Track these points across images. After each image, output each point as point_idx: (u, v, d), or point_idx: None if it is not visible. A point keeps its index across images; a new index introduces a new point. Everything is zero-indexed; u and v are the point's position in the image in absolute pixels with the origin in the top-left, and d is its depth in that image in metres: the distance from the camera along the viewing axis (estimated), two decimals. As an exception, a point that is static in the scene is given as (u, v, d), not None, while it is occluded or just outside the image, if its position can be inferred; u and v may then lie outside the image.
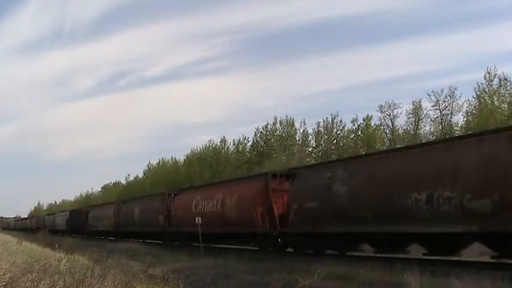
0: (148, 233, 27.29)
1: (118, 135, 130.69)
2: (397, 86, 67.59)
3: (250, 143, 42.65)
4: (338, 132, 35.76)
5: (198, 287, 11.36)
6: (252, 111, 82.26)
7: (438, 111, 29.38)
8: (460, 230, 9.62)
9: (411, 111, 30.68)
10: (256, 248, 16.95)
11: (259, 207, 15.99)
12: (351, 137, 34.67)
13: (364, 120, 33.70)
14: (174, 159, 55.72)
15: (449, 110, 29.17)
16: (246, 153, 42.97)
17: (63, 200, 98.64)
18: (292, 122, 39.58)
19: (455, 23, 68.94)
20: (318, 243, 14.32)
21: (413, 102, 30.71)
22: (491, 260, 10.29)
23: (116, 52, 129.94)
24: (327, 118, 36.06)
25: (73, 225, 41.85)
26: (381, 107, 32.16)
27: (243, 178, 21.35)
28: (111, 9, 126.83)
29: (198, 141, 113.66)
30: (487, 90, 26.70)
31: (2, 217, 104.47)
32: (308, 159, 33.87)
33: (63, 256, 12.14)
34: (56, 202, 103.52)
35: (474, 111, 27.50)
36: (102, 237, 35.63)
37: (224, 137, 45.95)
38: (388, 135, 32.84)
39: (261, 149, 40.62)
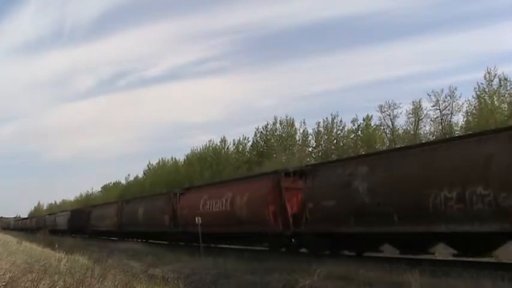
0: (153, 233, 26.63)
1: (118, 135, 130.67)
2: (397, 86, 67.54)
3: (250, 143, 42.70)
4: (338, 132, 35.76)
5: (198, 287, 11.37)
6: (252, 111, 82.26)
7: (438, 111, 29.39)
8: (494, 229, 9.10)
9: (411, 111, 30.71)
10: (267, 249, 16.43)
11: (271, 206, 15.50)
12: (351, 137, 34.66)
13: (364, 120, 33.72)
14: (174, 159, 55.78)
15: (449, 110, 29.18)
16: (246, 153, 42.95)
17: (63, 200, 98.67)
18: (292, 122, 39.64)
19: (455, 23, 68.93)
20: (334, 243, 13.72)
21: (413, 102, 30.74)
22: (491, 260, 10.31)
23: (116, 52, 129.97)
24: (327, 118, 36.13)
25: (74, 225, 41.58)
26: (381, 107, 32.19)
27: (254, 176, 20.61)
28: (111, 9, 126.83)
29: (198, 141, 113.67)
30: (487, 90, 26.70)
31: (2, 217, 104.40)
32: (308, 159, 33.82)
33: (63, 256, 12.14)
34: (56, 202, 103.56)
35: (474, 111, 27.48)
36: (104, 237, 35.17)
37: (224, 137, 46.02)
38: (388, 135, 32.83)
39: (261, 149, 40.62)
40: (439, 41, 62.32)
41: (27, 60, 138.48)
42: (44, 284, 6.08)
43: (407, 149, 13.89)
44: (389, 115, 32.07)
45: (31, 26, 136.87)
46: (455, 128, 28.66)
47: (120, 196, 51.02)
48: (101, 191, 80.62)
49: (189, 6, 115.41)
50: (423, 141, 23.14)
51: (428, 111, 30.02)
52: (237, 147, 44.17)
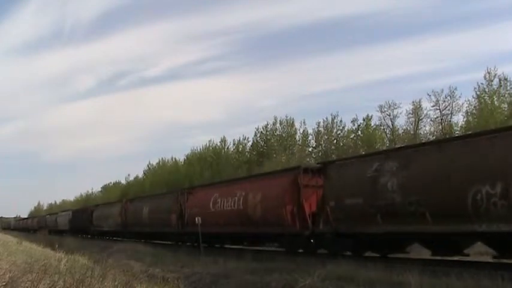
0: (159, 234, 25.72)
1: (118, 135, 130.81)
2: (397, 86, 67.79)
3: (250, 143, 42.67)
4: (338, 132, 35.74)
5: (198, 287, 11.37)
6: (252, 111, 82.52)
7: (438, 111, 29.32)
8: None
9: (411, 111, 30.64)
10: (283, 250, 15.81)
11: (288, 205, 14.80)
12: (351, 137, 34.63)
13: (364, 120, 33.66)
14: (174, 159, 55.80)
15: (449, 110, 29.11)
16: (246, 153, 42.93)
17: (63, 200, 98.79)
18: (292, 122, 39.63)
19: (455, 23, 69.14)
20: (358, 244, 12.90)
21: (413, 102, 30.65)
22: (491, 260, 10.29)
23: (116, 52, 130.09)
24: (327, 118, 36.09)
25: (76, 225, 41.22)
26: (381, 107, 32.12)
27: (269, 173, 20.06)
28: (111, 9, 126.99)
29: (198, 141, 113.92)
30: (487, 90, 26.65)
31: (2, 217, 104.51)
32: (308, 159, 33.83)
33: (63, 256, 12.14)
34: (56, 202, 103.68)
35: (474, 111, 27.44)
36: (107, 237, 34.73)
37: (224, 137, 46.03)
38: (388, 135, 32.81)
39: (261, 149, 40.59)
40: (439, 41, 62.55)
41: (27, 60, 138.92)
42: (44, 284, 6.08)
43: (442, 142, 12.66)
44: (390, 115, 32.04)
45: (31, 26, 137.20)
46: (455, 128, 28.65)
47: (121, 196, 50.97)
48: (101, 191, 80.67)
49: (189, 6, 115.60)
50: (423, 141, 23.10)
51: (428, 111, 30.00)
52: (237, 147, 44.17)
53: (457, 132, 27.37)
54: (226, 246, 19.68)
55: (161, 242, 25.10)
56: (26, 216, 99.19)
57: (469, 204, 9.45)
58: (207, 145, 47.36)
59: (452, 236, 10.40)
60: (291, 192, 14.90)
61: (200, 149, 48.55)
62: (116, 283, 6.92)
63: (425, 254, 11.81)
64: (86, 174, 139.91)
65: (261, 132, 40.83)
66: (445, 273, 8.66)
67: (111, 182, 77.15)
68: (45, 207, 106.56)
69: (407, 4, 79.24)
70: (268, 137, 40.25)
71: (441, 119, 29.44)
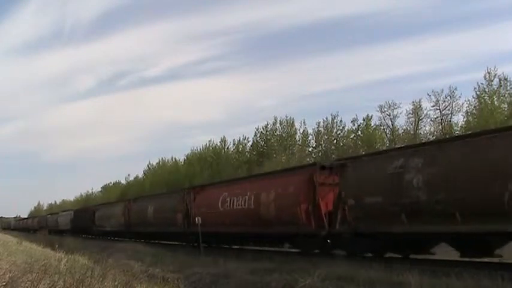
0: (165, 234, 24.88)
1: (118, 135, 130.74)
2: (397, 86, 67.66)
3: (250, 143, 42.74)
4: (338, 132, 35.78)
5: (198, 287, 11.37)
6: (252, 111, 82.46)
7: (438, 111, 29.36)
8: None
9: (411, 111, 30.69)
10: (298, 251, 15.22)
11: (303, 204, 14.17)
12: (351, 137, 34.66)
13: (364, 120, 33.71)
14: (174, 159, 55.84)
15: (449, 110, 29.15)
16: (246, 153, 42.96)
17: (63, 200, 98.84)
18: (292, 122, 39.69)
19: (455, 23, 69.03)
20: (379, 244, 12.26)
21: (413, 102, 30.71)
22: (491, 260, 10.27)
23: (116, 52, 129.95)
24: (327, 118, 36.15)
25: (78, 225, 40.94)
26: (381, 107, 32.17)
27: (282, 171, 19.23)
28: (111, 9, 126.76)
29: (198, 141, 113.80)
30: (487, 90, 26.68)
31: (2, 217, 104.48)
32: (308, 159, 33.84)
33: (63, 256, 12.14)
34: (56, 202, 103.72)
35: (474, 111, 27.46)
36: (110, 237, 34.38)
37: (224, 137, 46.10)
38: (388, 135, 32.83)
39: (261, 149, 40.63)
40: (439, 41, 62.47)
41: (27, 60, 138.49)
42: (44, 284, 6.08)
43: (470, 137, 12.03)
44: (389, 115, 32.09)
45: (31, 26, 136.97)
46: (455, 128, 28.66)
47: (121, 196, 50.98)
48: (101, 191, 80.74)
49: (189, 6, 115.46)
50: (423, 141, 23.01)
51: (428, 111, 30.05)
52: (237, 147, 44.21)
53: (457, 132, 27.39)
54: (226, 246, 19.63)
55: (165, 242, 24.71)
56: (26, 216, 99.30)
57: (500, 202, 8.92)
58: (207, 145, 47.52)
59: (486, 236, 9.88)
60: (306, 191, 14.34)
61: (200, 149, 48.70)
62: (116, 283, 6.92)
63: (454, 255, 11.18)
64: (86, 174, 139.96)
65: (261, 132, 40.92)
66: (445, 273, 8.66)
67: (111, 182, 77.37)
68: (45, 207, 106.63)
69: (407, 4, 79.29)
70: (268, 137, 40.29)
71: (441, 119, 29.47)
